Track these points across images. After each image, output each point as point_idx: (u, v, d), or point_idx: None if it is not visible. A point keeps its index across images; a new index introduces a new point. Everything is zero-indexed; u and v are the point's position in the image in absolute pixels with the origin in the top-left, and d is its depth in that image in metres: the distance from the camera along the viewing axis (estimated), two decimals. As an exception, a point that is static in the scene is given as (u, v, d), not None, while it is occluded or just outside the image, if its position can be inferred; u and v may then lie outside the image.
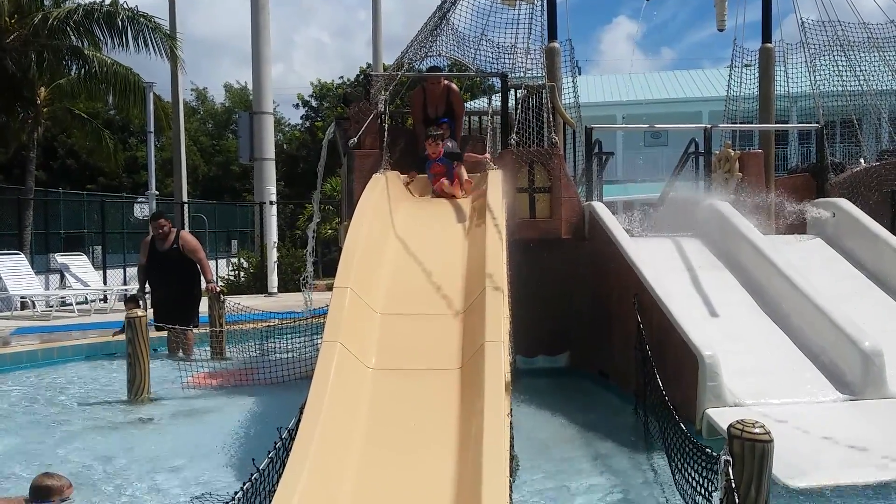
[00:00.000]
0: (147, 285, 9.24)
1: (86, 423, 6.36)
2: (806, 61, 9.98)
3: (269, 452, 3.55)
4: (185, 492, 4.61)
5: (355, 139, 7.35)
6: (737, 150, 8.75)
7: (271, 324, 9.17)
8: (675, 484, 4.40)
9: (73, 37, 16.90)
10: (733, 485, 3.22)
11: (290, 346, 8.43)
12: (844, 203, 7.92)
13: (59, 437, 5.97)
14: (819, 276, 6.77)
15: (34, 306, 13.59)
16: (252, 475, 3.39)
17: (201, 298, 9.34)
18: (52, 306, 13.45)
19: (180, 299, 8.99)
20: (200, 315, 9.28)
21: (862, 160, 9.59)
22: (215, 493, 4.43)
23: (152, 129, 17.78)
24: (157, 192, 16.88)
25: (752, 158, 8.82)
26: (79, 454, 5.45)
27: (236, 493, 3.24)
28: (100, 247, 18.82)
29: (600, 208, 7.51)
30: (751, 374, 5.63)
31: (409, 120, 8.75)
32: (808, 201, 8.25)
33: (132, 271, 20.03)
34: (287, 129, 44.93)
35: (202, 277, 9.25)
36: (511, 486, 3.46)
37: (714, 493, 3.57)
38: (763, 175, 8.74)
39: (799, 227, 8.23)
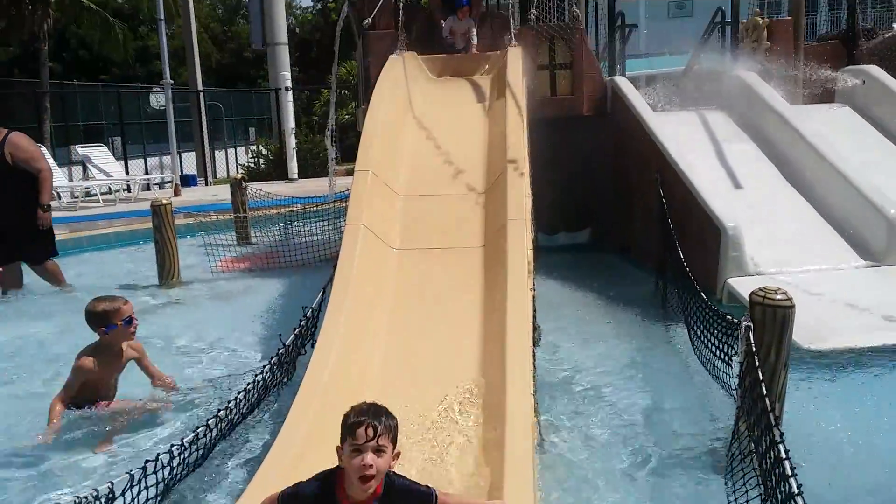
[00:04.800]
0: None
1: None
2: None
3: (295, 329, 3.68)
4: (214, 364, 4.78)
5: (370, 20, 7.15)
6: (765, 18, 8.43)
7: (294, 209, 9.22)
8: (694, 350, 4.50)
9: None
10: (754, 349, 3.27)
11: (313, 230, 8.54)
12: (875, 70, 7.66)
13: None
14: (846, 144, 6.65)
15: (60, 198, 13.73)
16: (279, 350, 3.54)
17: (51, 220, 6.72)
18: (77, 197, 13.62)
19: (20, 224, 6.47)
20: (213, 202, 9.06)
21: (895, 25, 9.22)
22: (245, 366, 4.60)
23: (162, 16, 17.32)
24: (172, 81, 16.62)
25: (781, 26, 8.49)
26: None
27: (264, 365, 3.40)
28: (119, 137, 18.82)
29: (623, 83, 7.33)
30: (774, 243, 5.65)
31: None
32: (838, 69, 8.00)
33: (153, 161, 20.12)
34: (299, 12, 43.68)
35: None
36: (534, 354, 3.56)
37: (734, 358, 3.65)
38: (792, 43, 8.44)
39: (827, 96, 8.02)
